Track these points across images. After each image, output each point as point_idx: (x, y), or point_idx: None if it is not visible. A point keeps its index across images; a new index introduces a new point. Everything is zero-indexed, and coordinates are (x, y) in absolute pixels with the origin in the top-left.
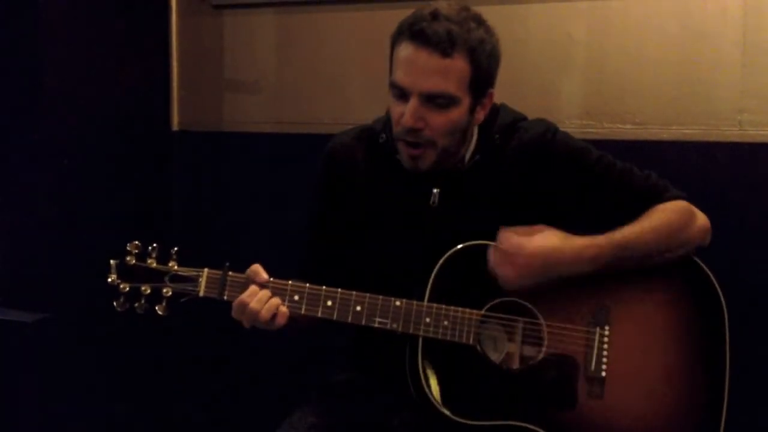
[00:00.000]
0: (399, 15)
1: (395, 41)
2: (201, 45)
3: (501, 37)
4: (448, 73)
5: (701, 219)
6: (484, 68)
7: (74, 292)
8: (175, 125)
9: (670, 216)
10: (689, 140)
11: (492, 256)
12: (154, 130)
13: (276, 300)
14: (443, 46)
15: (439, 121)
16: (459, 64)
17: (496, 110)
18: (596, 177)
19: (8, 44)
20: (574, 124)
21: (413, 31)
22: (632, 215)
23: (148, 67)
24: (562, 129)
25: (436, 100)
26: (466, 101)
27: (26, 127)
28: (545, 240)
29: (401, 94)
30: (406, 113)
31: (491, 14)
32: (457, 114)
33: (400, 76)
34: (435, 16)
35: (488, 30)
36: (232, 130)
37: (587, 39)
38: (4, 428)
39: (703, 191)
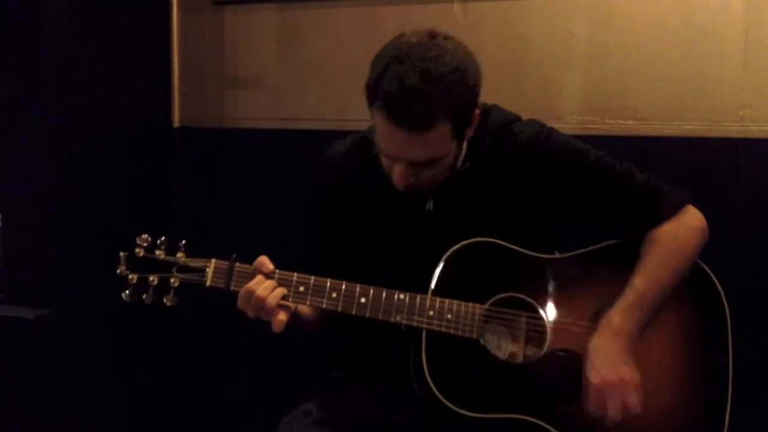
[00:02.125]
0: (400, 11)
1: (370, 101)
2: (202, 41)
3: (502, 34)
4: (432, 143)
5: (699, 222)
6: (465, 113)
7: (76, 288)
8: (176, 122)
9: (672, 243)
10: (691, 136)
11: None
12: (155, 126)
13: (282, 289)
14: (422, 124)
15: (431, 173)
16: (441, 131)
17: (487, 112)
18: (593, 179)
19: (9, 40)
20: (575, 120)
21: (389, 110)
22: (631, 219)
23: (150, 63)
24: (563, 125)
25: (425, 162)
26: (453, 147)
27: (27, 124)
28: (611, 364)
29: (386, 155)
30: (395, 175)
31: (492, 10)
32: (448, 160)
33: (383, 146)
34: (408, 94)
35: (465, 63)
36: (233, 127)
37: (588, 35)
38: (5, 424)
39: (704, 187)
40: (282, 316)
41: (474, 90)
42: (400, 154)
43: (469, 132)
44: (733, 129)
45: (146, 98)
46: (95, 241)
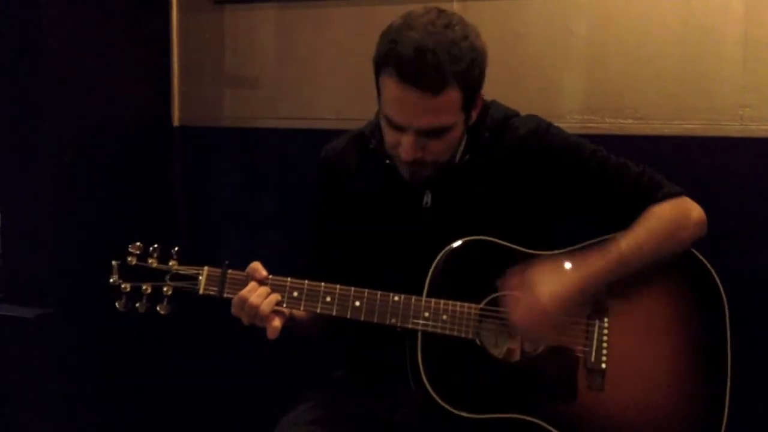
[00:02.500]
0: (399, 10)
1: (379, 69)
2: (202, 40)
3: (501, 32)
4: (442, 109)
5: (696, 213)
6: (474, 84)
7: (75, 287)
8: (176, 121)
9: (665, 220)
10: (690, 135)
11: (510, 306)
12: (155, 125)
13: (276, 296)
14: (434, 85)
15: (439, 146)
16: (451, 96)
17: (486, 107)
18: (590, 172)
19: (8, 39)
20: (574, 119)
21: (400, 71)
22: (627, 211)
23: (149, 62)
24: (563, 124)
25: (434, 132)
26: (461, 120)
27: (27, 124)
28: (552, 285)
29: (395, 125)
30: (403, 147)
31: (491, 9)
32: (455, 134)
33: (392, 113)
34: (420, 51)
35: (473, 37)
36: (232, 126)
37: (588, 34)
38: (5, 423)
39: (704, 186)
40: (276, 322)
41: (482, 65)
42: (409, 121)
43: (474, 116)
44: (732, 128)
45: (146, 97)
46: (95, 240)
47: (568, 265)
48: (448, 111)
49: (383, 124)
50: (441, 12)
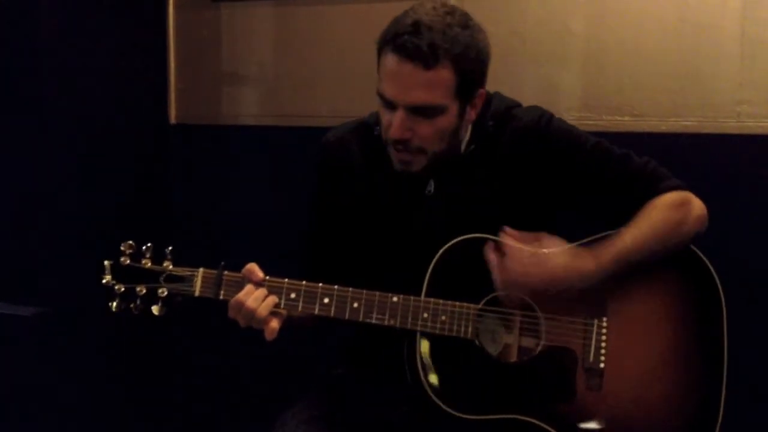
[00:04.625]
0: (397, 9)
1: (380, 49)
2: (199, 38)
3: (498, 30)
4: (432, 85)
5: (698, 208)
6: (470, 73)
7: (73, 285)
8: (173, 118)
9: (668, 214)
10: (688, 132)
11: (491, 257)
12: (152, 123)
13: (273, 298)
14: (425, 58)
15: (427, 130)
16: (443, 75)
17: (489, 98)
18: (593, 162)
19: (5, 36)
20: (572, 116)
21: (396, 44)
22: (630, 201)
23: (146, 60)
24: None
25: (423, 111)
26: (453, 107)
27: (23, 121)
28: (549, 263)
29: (388, 104)
30: (393, 125)
31: (488, 7)
32: (445, 121)
33: (386, 88)
34: (416, 26)
35: (475, 31)
36: (229, 124)
37: (585, 31)
38: (3, 422)
39: (701, 183)
40: (274, 324)
41: (483, 60)
42: (401, 94)
43: (472, 115)
44: (730, 125)
45: (143, 95)
46: (92, 238)
47: (567, 248)
48: (439, 90)
49: (379, 106)
50: (447, 5)
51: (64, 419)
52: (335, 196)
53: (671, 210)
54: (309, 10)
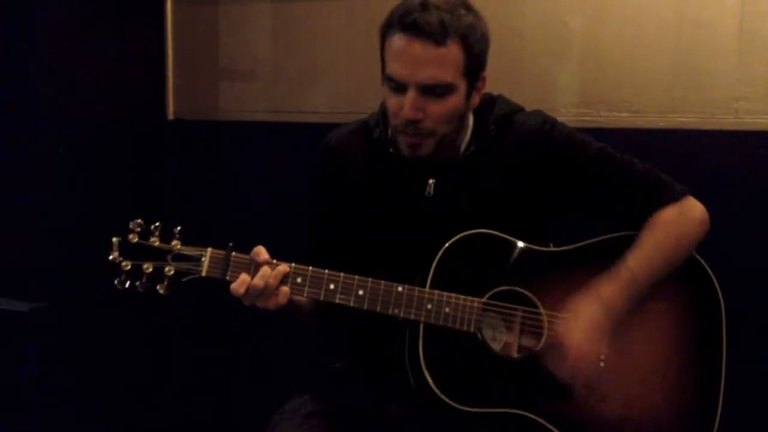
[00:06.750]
0: (394, 4)
1: (385, 33)
2: (197, 33)
3: (496, 26)
4: (444, 62)
5: (699, 213)
6: (476, 53)
7: (70, 281)
8: (171, 114)
9: (671, 230)
10: (685, 128)
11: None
12: (150, 118)
13: (284, 266)
14: (436, 35)
15: (438, 110)
16: (453, 52)
17: (493, 101)
18: (596, 169)
19: (2, 32)
20: (570, 112)
21: (405, 23)
22: (631, 209)
23: (144, 55)
24: (558, 118)
25: (435, 90)
26: (462, 87)
27: (20, 116)
28: (579, 332)
29: (398, 86)
30: (405, 105)
31: (486, 3)
32: (455, 101)
33: (396, 69)
34: (425, 5)
35: (476, 15)
36: (227, 119)
37: (583, 27)
38: (1, 417)
39: (699, 179)
40: (285, 288)
41: (485, 42)
42: (412, 73)
43: (476, 100)
44: (727, 121)
45: (140, 90)
46: (89, 234)
47: (593, 305)
48: (450, 67)
49: (386, 91)
50: None
51: (61, 414)
52: (336, 197)
53: (674, 226)
54: (306, 6)
